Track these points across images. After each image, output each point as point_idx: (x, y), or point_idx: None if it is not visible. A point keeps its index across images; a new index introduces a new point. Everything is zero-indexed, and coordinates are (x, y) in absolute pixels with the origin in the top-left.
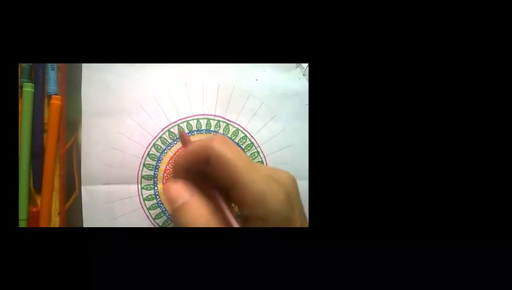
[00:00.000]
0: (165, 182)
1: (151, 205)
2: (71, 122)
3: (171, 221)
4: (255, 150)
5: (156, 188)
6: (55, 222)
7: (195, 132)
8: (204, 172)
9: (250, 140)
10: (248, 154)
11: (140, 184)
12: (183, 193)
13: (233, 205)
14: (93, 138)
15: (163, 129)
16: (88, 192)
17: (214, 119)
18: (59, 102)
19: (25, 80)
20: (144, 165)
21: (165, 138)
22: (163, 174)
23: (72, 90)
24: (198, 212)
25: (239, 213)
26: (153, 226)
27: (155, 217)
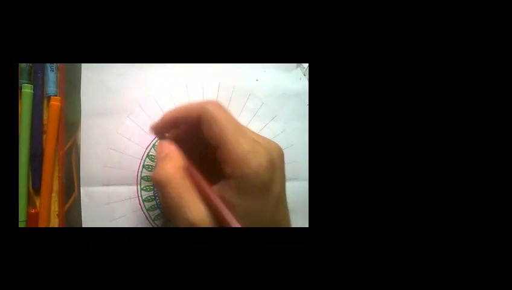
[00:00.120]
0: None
1: (151, 206)
2: (70, 123)
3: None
4: None
5: (155, 189)
6: (54, 223)
7: None
8: (189, 131)
9: None
10: None
11: (140, 185)
12: (171, 147)
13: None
14: (92, 139)
15: None
16: (87, 193)
17: None
18: (58, 103)
19: (24, 81)
20: (144, 166)
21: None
22: None
23: (71, 91)
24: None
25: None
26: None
27: (154, 218)
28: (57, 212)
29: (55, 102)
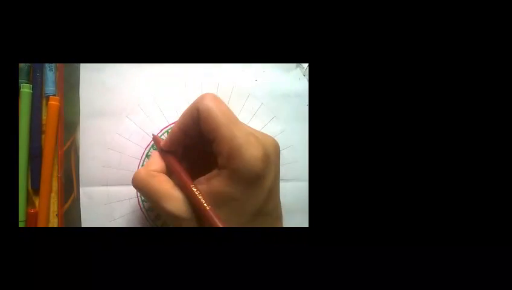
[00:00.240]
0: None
1: (150, 207)
2: (69, 123)
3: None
4: None
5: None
6: (54, 224)
7: None
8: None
9: None
10: None
11: None
12: (154, 154)
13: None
14: (91, 139)
15: (162, 130)
16: (86, 193)
17: None
18: (57, 103)
19: (22, 80)
20: (143, 166)
21: (163, 139)
22: None
23: (70, 90)
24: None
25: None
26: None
27: (154, 218)
28: (56, 213)
29: (54, 102)
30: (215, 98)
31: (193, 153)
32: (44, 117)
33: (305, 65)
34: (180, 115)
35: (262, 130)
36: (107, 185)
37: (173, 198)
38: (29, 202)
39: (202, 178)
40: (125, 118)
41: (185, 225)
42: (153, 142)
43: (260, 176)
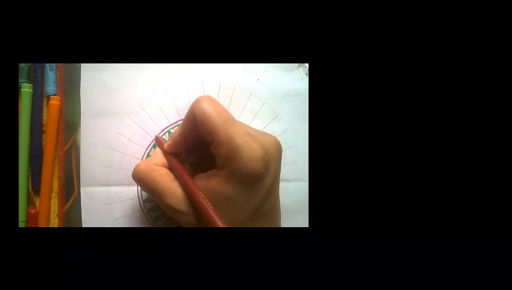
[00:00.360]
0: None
1: (151, 207)
2: (70, 123)
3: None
4: None
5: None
6: (54, 224)
7: None
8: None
9: None
10: None
11: None
12: (156, 150)
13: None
14: (92, 139)
15: (163, 130)
16: (87, 193)
17: None
18: (58, 102)
19: (23, 80)
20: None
21: (165, 139)
22: None
23: (70, 90)
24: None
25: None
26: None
27: (155, 219)
28: (56, 213)
29: (54, 101)
30: (210, 100)
31: (196, 153)
32: (45, 117)
33: (307, 65)
34: (181, 115)
35: (264, 130)
36: (108, 185)
37: (174, 192)
38: (30, 202)
39: (202, 175)
40: (126, 118)
41: (183, 218)
42: (154, 142)
43: (258, 177)
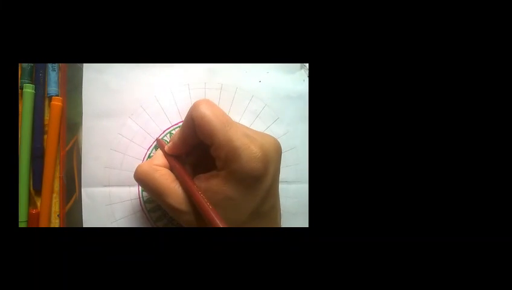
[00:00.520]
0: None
1: (152, 208)
2: (72, 124)
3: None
4: None
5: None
6: (55, 224)
7: None
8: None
9: None
10: None
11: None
12: (157, 152)
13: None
14: (93, 140)
15: (164, 131)
16: (88, 194)
17: None
18: (60, 103)
19: (25, 80)
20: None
21: (166, 140)
22: None
23: (72, 91)
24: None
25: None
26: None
27: (156, 219)
28: (57, 213)
29: (56, 102)
30: (208, 103)
31: (196, 154)
32: (46, 117)
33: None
34: (182, 116)
35: (265, 132)
36: (109, 185)
37: (175, 192)
38: (31, 202)
39: (202, 175)
40: (128, 119)
41: (184, 217)
42: (155, 143)
43: (257, 178)
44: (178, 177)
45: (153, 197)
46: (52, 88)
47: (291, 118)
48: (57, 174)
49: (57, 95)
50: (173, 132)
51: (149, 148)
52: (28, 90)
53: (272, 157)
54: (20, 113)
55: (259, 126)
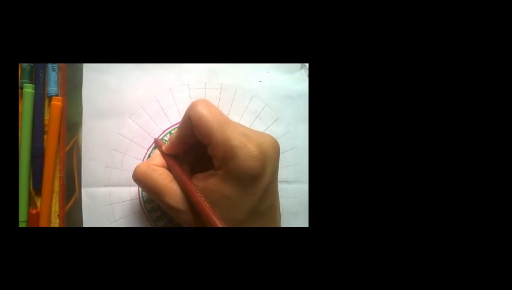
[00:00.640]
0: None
1: (152, 208)
2: (72, 124)
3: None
4: None
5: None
6: (55, 224)
7: None
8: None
9: None
10: None
11: None
12: (155, 152)
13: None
14: (93, 140)
15: (164, 131)
16: (88, 194)
17: None
18: (60, 103)
19: (25, 80)
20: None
21: (166, 140)
22: None
23: (72, 91)
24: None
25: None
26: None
27: (156, 219)
28: (57, 213)
29: (56, 102)
30: (205, 103)
31: (194, 153)
32: (46, 117)
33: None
34: (182, 117)
35: (265, 132)
36: (109, 185)
37: (173, 192)
38: (31, 202)
39: (200, 175)
40: (128, 119)
41: (183, 216)
42: (154, 144)
43: (255, 176)
44: (176, 176)
45: (151, 197)
46: (52, 88)
47: (291, 118)
48: (57, 174)
49: (57, 95)
50: (173, 131)
51: (149, 148)
52: (28, 90)
53: (270, 156)
54: (20, 113)
55: (259, 126)
